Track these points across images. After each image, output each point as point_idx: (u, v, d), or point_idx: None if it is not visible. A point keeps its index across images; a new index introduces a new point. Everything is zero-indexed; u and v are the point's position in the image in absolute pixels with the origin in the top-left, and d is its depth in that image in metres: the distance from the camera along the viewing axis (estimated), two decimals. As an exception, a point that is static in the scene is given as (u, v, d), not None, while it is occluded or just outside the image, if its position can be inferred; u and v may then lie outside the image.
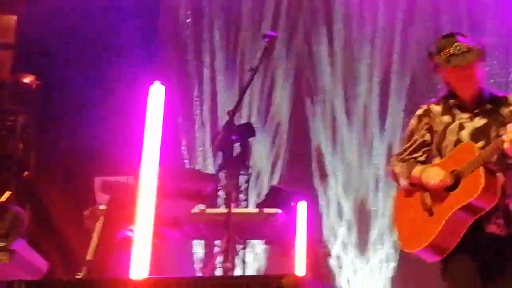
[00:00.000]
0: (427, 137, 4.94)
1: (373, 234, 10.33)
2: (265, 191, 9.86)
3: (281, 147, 10.75)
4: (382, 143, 10.55)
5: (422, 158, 4.94)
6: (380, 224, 10.31)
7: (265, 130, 10.71)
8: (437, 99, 5.01)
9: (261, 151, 10.68)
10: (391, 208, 5.02)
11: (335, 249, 10.30)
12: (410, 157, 4.94)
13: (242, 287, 3.52)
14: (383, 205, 10.35)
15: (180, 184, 5.72)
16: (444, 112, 4.90)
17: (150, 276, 4.70)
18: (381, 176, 10.43)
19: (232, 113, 5.30)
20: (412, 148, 4.96)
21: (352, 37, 10.84)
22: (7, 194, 8.45)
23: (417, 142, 4.96)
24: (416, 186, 4.81)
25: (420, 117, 4.99)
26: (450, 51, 4.74)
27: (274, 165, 10.72)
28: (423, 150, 4.94)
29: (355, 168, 10.58)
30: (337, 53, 10.84)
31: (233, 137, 5.37)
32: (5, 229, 5.79)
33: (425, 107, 5.01)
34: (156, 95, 4.72)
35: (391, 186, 10.19)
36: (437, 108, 4.93)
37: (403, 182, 4.84)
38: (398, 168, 4.90)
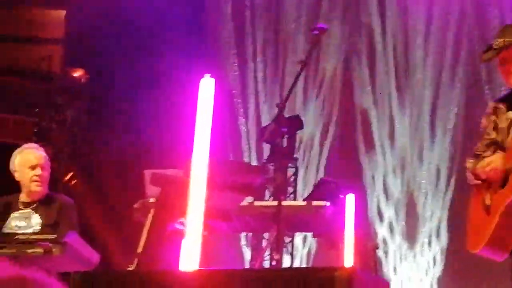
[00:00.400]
0: (494, 134, 4.91)
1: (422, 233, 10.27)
2: (312, 183, 9.85)
3: (329, 139, 10.72)
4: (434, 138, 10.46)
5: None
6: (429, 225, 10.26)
7: (313, 122, 10.69)
8: (504, 95, 4.99)
9: (308, 143, 10.66)
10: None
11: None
12: (480, 154, 4.94)
13: (296, 279, 3.51)
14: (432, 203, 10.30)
15: (229, 177, 5.73)
16: (509, 108, 4.86)
17: (200, 268, 4.73)
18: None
19: (281, 106, 5.30)
20: (482, 145, 4.96)
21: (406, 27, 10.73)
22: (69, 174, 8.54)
23: (487, 140, 4.95)
24: (481, 184, 4.80)
25: (488, 115, 4.96)
26: (492, 45, 4.72)
27: (321, 157, 10.70)
28: (491, 148, 4.92)
29: (407, 163, 10.52)
30: (389, 44, 10.75)
31: (283, 129, 5.37)
32: (54, 218, 5.84)
33: (492, 104, 4.98)
34: (207, 88, 4.74)
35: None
36: (502, 105, 4.90)
37: (469, 176, 4.85)
38: (469, 163, 4.92)
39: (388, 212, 10.39)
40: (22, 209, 5.86)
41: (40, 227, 5.76)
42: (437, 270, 10.13)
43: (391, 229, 10.33)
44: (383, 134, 10.59)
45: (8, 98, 10.59)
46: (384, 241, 10.24)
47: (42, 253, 5.23)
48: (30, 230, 5.73)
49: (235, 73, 10.90)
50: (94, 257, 5.62)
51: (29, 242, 5.24)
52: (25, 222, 5.83)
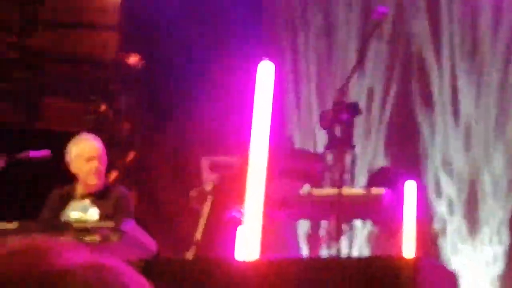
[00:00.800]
0: None
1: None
2: (370, 171, 9.74)
3: (386, 125, 10.58)
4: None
5: None
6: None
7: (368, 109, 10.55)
8: None
9: (366, 130, 10.53)
10: None
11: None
12: None
13: (359, 268, 3.43)
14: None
15: (288, 164, 5.65)
16: None
17: (260, 258, 4.65)
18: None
19: (342, 92, 5.20)
20: None
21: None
22: (113, 174, 8.54)
23: None
24: None
25: None
26: None
27: (378, 144, 10.56)
28: None
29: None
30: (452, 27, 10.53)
31: (343, 116, 5.27)
32: (110, 209, 5.83)
33: None
34: (265, 73, 4.65)
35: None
36: None
37: None
38: None
39: (450, 194, 10.22)
40: (79, 200, 5.86)
41: (98, 218, 5.76)
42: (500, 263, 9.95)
43: (451, 212, 10.16)
44: (446, 118, 10.41)
45: (63, 86, 10.63)
46: (443, 228, 10.08)
47: (99, 241, 5.21)
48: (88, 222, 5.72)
49: (290, 59, 10.81)
50: (152, 245, 5.59)
51: (87, 230, 5.22)
52: (83, 213, 5.83)
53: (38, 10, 10.73)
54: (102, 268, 1.12)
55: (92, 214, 5.72)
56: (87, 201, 5.75)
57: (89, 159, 5.73)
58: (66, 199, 5.81)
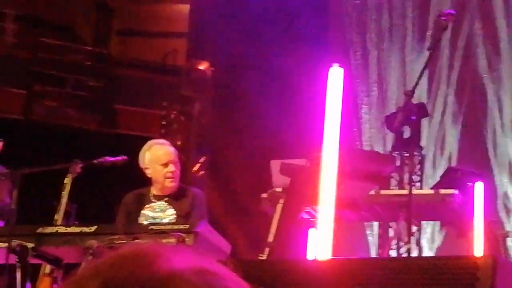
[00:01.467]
0: None
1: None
2: (438, 172, 9.72)
3: (455, 127, 10.55)
4: None
5: None
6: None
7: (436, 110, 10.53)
8: None
9: (433, 132, 10.52)
10: None
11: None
12: None
13: (435, 267, 3.44)
14: None
15: (358, 165, 5.70)
16: None
17: (333, 258, 4.73)
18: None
19: (410, 93, 5.25)
20: None
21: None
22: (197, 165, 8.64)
23: None
24: None
25: None
26: None
27: (445, 145, 10.54)
28: None
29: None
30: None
31: (412, 117, 5.31)
32: (187, 210, 5.92)
33: None
34: (335, 77, 4.74)
35: None
36: None
37: None
38: None
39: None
40: (155, 202, 5.96)
41: (174, 219, 5.86)
42: None
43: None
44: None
45: (135, 91, 10.82)
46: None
47: (175, 243, 5.31)
48: (165, 222, 5.83)
49: (357, 62, 10.83)
50: (226, 246, 5.68)
51: (163, 233, 5.32)
52: (159, 214, 5.93)
53: (111, 20, 10.96)
54: (207, 273, 1.17)
55: (169, 214, 5.83)
56: (163, 203, 5.87)
57: (165, 164, 5.84)
58: (142, 201, 5.93)
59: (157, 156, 5.93)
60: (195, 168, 9.80)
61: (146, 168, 5.98)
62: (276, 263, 4.47)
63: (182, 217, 5.85)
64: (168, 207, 5.93)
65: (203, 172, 9.91)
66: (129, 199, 6.03)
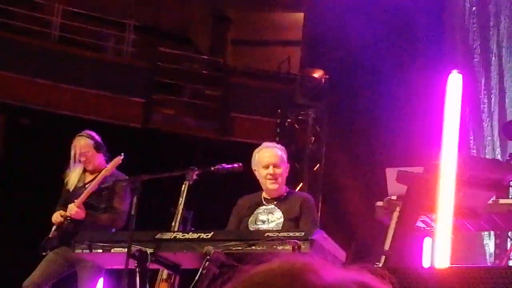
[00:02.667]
0: None
1: None
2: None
3: None
4: None
5: None
6: None
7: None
8: None
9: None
10: None
11: None
12: None
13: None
14: None
15: (479, 173, 5.60)
16: None
17: (452, 266, 4.68)
18: None
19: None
20: None
21: None
22: (300, 185, 8.71)
23: None
24: None
25: None
26: None
27: None
28: None
29: None
30: None
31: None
32: (295, 213, 5.92)
33: None
34: (455, 84, 4.69)
35: None
36: None
37: None
38: None
39: None
40: (265, 205, 6.00)
41: (282, 222, 5.88)
42: None
43: None
44: None
45: (251, 100, 10.90)
46: None
47: (290, 250, 5.32)
48: (272, 224, 5.86)
49: (478, 68, 10.64)
50: (341, 254, 5.66)
51: (279, 240, 5.34)
52: (268, 216, 5.97)
53: (227, 30, 11.09)
54: (366, 285, 1.15)
55: (277, 217, 5.84)
56: (272, 206, 5.89)
57: (267, 166, 5.88)
58: (253, 204, 5.97)
59: (261, 158, 5.98)
60: (309, 176, 9.82)
61: (254, 170, 6.04)
62: (395, 271, 4.44)
63: (290, 220, 5.86)
64: (276, 210, 5.96)
65: (317, 180, 9.92)
66: (242, 202, 6.09)
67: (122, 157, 6.61)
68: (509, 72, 10.58)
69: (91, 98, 11.61)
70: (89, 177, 6.85)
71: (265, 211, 5.98)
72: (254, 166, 6.01)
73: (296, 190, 6.47)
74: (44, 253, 6.73)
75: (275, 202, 5.97)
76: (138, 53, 12.32)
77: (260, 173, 5.93)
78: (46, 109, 11.53)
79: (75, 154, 6.83)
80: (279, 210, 5.94)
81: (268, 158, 5.94)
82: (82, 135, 6.90)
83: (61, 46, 12.19)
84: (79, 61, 11.87)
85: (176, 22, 12.23)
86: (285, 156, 6.02)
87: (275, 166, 5.90)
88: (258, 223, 5.92)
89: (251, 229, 5.85)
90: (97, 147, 6.84)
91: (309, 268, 1.18)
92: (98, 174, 6.71)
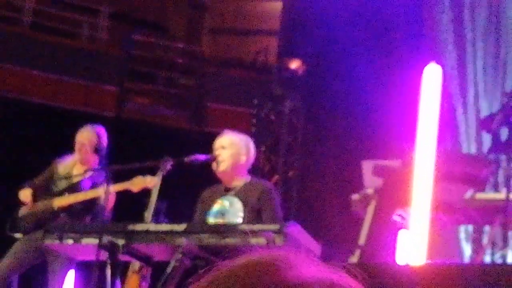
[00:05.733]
0: None
1: None
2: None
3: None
4: None
5: None
6: None
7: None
8: None
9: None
10: None
11: None
12: None
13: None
14: None
15: (456, 168, 5.55)
16: None
17: (428, 262, 4.62)
18: None
19: (510, 95, 5.08)
20: None
21: None
22: (275, 177, 8.65)
23: None
24: None
25: None
26: None
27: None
28: None
29: None
30: None
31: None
32: (254, 202, 5.88)
33: None
34: (432, 76, 4.62)
35: None
36: None
37: None
38: None
39: None
40: (225, 195, 5.96)
41: (242, 213, 5.83)
42: None
43: None
44: None
45: (226, 89, 10.83)
46: None
47: (265, 243, 5.27)
48: (232, 215, 5.81)
49: (452, 61, 10.62)
50: (316, 248, 5.61)
51: (253, 233, 5.29)
52: (227, 207, 5.92)
53: (203, 18, 11.00)
54: (336, 286, 1.14)
55: (237, 207, 5.79)
56: (231, 196, 5.84)
57: (216, 149, 5.86)
58: (215, 196, 5.93)
59: (214, 143, 5.98)
60: (284, 168, 9.75)
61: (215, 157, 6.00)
62: (367, 266, 4.37)
63: (251, 210, 5.82)
64: (235, 199, 5.92)
65: (292, 172, 9.86)
66: (204, 194, 6.06)
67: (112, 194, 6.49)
68: (485, 66, 10.56)
69: (63, 86, 11.50)
70: (77, 169, 6.78)
71: (225, 201, 5.94)
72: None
73: (260, 180, 6.42)
74: (15, 234, 6.66)
75: (234, 191, 5.93)
76: (112, 41, 12.23)
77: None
78: (18, 97, 11.41)
79: (81, 145, 6.77)
80: (238, 200, 5.90)
81: (219, 142, 5.94)
82: (92, 129, 6.85)
83: (33, 33, 12.06)
84: (52, 48, 11.75)
85: (151, 10, 12.13)
86: (244, 146, 5.98)
87: (222, 147, 5.90)
88: (218, 215, 5.89)
89: (212, 220, 5.82)
90: (98, 148, 6.80)
91: (289, 262, 1.16)
92: (87, 170, 6.64)
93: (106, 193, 5.97)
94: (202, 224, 5.77)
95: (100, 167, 6.64)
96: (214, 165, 5.88)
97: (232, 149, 5.92)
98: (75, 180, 6.71)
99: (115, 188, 6.40)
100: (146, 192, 6.07)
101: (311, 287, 1.13)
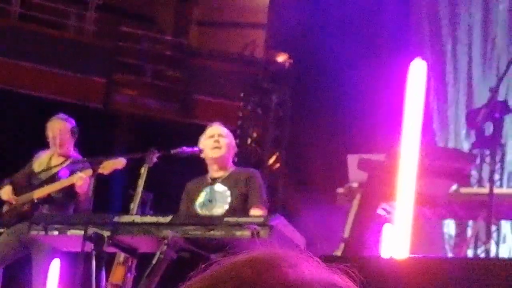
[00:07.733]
0: None
1: None
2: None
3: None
4: None
5: None
6: None
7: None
8: None
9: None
10: None
11: None
12: None
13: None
14: None
15: (440, 162, 5.59)
16: None
17: (412, 255, 4.64)
18: None
19: (495, 90, 5.11)
20: None
21: None
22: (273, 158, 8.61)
23: None
24: None
25: None
26: None
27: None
28: None
29: None
30: None
31: (496, 115, 5.18)
32: (242, 189, 5.91)
33: None
34: (418, 70, 4.65)
35: None
36: None
37: None
38: None
39: None
40: (210, 184, 5.99)
41: (230, 199, 5.86)
42: None
43: None
44: None
45: (214, 82, 10.84)
46: None
47: (249, 236, 5.29)
48: (220, 204, 5.84)
49: (446, 57, 10.65)
50: (301, 241, 5.63)
51: (238, 225, 5.30)
52: (214, 195, 5.95)
53: (191, 10, 10.99)
54: (334, 285, 1.15)
55: (224, 195, 5.83)
56: (218, 184, 5.87)
57: (212, 135, 5.90)
58: (201, 186, 5.95)
59: (207, 132, 6.03)
60: (271, 161, 9.78)
61: (202, 150, 6.03)
62: (352, 260, 4.40)
63: (237, 197, 5.85)
64: (223, 187, 5.94)
65: (278, 165, 9.88)
66: (190, 185, 6.09)
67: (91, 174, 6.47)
68: (473, 60, 10.60)
69: (51, 77, 11.47)
70: (55, 160, 6.77)
71: (212, 190, 5.97)
72: (202, 144, 6.03)
73: (245, 167, 6.48)
74: None
75: (220, 181, 5.96)
76: (100, 32, 12.21)
77: (205, 145, 5.96)
78: (5, 88, 11.38)
79: (53, 137, 6.74)
80: (225, 187, 5.93)
81: (215, 130, 6.00)
82: (61, 118, 6.82)
83: (21, 24, 12.03)
84: (39, 39, 11.72)
85: (139, 2, 12.12)
86: (231, 138, 6.06)
87: (220, 135, 5.95)
88: (206, 203, 5.91)
89: (200, 211, 5.84)
90: (73, 132, 6.78)
91: (290, 261, 1.17)
92: (65, 160, 6.63)
93: (82, 179, 6.00)
94: (188, 216, 5.79)
95: (80, 159, 6.65)
96: (208, 151, 5.92)
97: (227, 138, 6.01)
98: (54, 170, 6.70)
99: (86, 173, 6.38)
100: (132, 184, 6.08)
101: (311, 286, 1.14)
